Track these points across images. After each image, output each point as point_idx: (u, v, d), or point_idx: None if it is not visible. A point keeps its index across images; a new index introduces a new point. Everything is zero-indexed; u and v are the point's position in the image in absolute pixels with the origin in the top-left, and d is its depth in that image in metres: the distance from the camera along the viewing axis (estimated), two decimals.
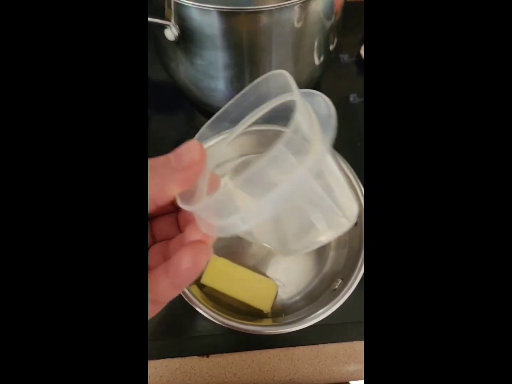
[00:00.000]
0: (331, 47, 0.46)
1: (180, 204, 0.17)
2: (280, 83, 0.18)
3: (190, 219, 0.19)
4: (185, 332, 0.38)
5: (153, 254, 0.20)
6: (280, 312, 0.38)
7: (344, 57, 0.58)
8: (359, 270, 0.35)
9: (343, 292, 0.34)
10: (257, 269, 0.40)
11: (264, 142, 0.32)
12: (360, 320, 0.38)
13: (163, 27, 0.37)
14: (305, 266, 0.41)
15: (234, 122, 0.21)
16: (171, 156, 0.18)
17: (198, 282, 0.38)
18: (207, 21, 0.35)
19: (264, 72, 0.18)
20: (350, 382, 0.40)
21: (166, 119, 0.53)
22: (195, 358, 0.38)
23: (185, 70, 0.43)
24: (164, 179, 0.17)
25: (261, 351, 0.38)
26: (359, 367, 0.38)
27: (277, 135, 0.15)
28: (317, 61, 0.45)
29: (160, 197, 0.18)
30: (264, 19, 0.35)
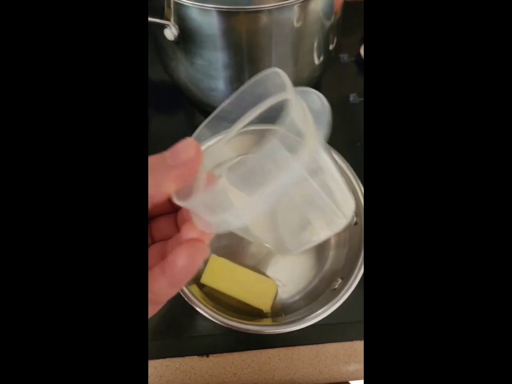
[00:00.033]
0: (331, 47, 0.46)
1: (175, 200, 0.17)
2: (276, 81, 0.18)
3: (187, 219, 0.19)
4: (185, 331, 0.38)
5: (152, 254, 0.20)
6: (280, 311, 0.38)
7: (344, 56, 0.58)
8: (359, 269, 0.35)
9: (343, 292, 0.34)
10: (257, 269, 0.40)
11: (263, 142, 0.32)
12: (360, 320, 0.38)
13: (163, 27, 0.37)
14: (305, 266, 0.41)
15: (232, 121, 0.21)
16: (166, 153, 0.18)
17: (198, 282, 0.38)
18: (207, 20, 0.35)
19: None
20: (350, 382, 0.40)
21: (166, 119, 0.53)
22: (195, 358, 0.38)
23: (185, 70, 0.43)
24: (159, 176, 0.17)
25: (261, 351, 0.38)
26: (359, 366, 0.38)
27: (274, 134, 0.15)
28: (316, 61, 0.45)
29: (156, 195, 0.18)
30: (264, 19, 0.35)
